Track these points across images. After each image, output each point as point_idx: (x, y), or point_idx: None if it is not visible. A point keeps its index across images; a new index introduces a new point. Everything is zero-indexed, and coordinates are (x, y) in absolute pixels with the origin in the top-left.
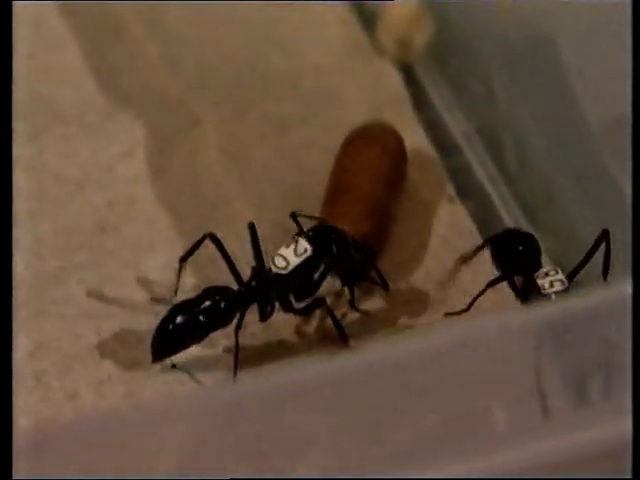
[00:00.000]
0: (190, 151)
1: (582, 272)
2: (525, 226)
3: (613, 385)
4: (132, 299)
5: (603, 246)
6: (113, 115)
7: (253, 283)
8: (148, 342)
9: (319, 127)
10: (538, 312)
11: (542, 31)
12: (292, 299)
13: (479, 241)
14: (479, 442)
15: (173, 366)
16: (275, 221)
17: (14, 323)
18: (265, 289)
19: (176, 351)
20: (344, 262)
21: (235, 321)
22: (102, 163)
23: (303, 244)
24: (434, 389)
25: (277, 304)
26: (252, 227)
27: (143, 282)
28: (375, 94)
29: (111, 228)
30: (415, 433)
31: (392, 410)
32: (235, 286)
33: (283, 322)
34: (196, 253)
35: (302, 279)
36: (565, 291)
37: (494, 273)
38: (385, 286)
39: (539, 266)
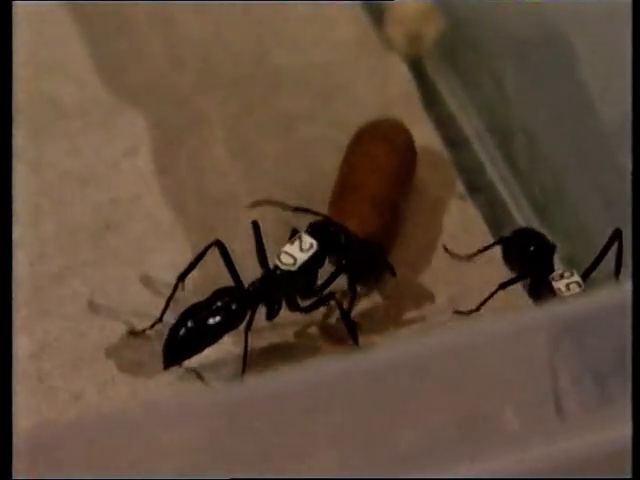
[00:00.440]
0: (196, 148)
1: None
2: (536, 224)
3: (625, 385)
4: (137, 298)
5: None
6: (117, 112)
7: (263, 282)
8: (153, 342)
9: (327, 124)
10: (551, 311)
11: (554, 26)
12: (298, 297)
13: (489, 239)
14: (489, 443)
15: (179, 366)
16: (282, 219)
17: (17, 323)
18: (275, 287)
19: (189, 356)
20: (350, 256)
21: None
22: (106, 160)
23: (308, 240)
24: (444, 390)
25: (284, 303)
26: (256, 226)
27: (148, 281)
28: (384, 90)
29: (115, 226)
30: (424, 434)
31: (401, 411)
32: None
33: (290, 321)
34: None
35: (311, 275)
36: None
37: (505, 273)
38: (392, 272)
39: (552, 267)
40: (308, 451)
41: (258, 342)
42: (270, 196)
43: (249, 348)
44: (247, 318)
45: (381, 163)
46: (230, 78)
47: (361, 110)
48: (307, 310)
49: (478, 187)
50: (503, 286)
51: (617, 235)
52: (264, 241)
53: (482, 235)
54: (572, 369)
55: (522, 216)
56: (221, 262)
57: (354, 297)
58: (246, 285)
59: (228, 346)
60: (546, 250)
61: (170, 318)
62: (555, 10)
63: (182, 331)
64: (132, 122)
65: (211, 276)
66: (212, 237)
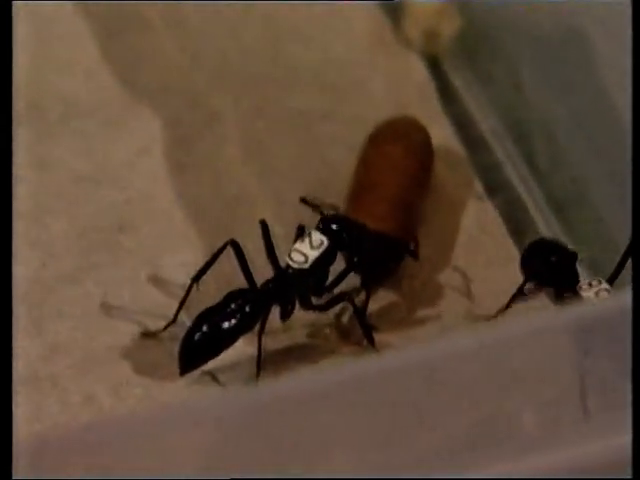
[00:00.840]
0: (210, 147)
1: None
2: (555, 224)
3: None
4: (150, 299)
5: None
6: (131, 110)
7: (275, 282)
8: (167, 343)
9: (343, 122)
10: (572, 312)
11: (572, 22)
12: (311, 295)
13: (508, 240)
14: (508, 445)
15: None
16: (297, 219)
17: (28, 324)
18: (287, 286)
19: (205, 361)
20: (362, 253)
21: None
22: (119, 159)
23: (318, 236)
24: (462, 391)
25: (297, 302)
26: (264, 225)
27: (161, 282)
28: (401, 88)
29: (129, 226)
30: (442, 436)
31: (418, 413)
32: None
33: (304, 323)
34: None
35: (323, 272)
36: None
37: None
38: (415, 255)
39: (577, 277)
40: (324, 454)
41: (272, 344)
42: (284, 196)
43: (263, 350)
44: (260, 320)
45: (397, 162)
46: (245, 76)
47: (377, 108)
48: (321, 309)
49: (496, 187)
50: (522, 292)
51: None
52: (276, 242)
53: (500, 236)
54: (593, 370)
55: (541, 216)
56: (236, 262)
57: (368, 296)
58: (259, 285)
59: (242, 348)
60: (569, 260)
61: (184, 319)
62: (573, 6)
63: (197, 336)
64: (145, 121)
65: (226, 276)
66: (226, 237)
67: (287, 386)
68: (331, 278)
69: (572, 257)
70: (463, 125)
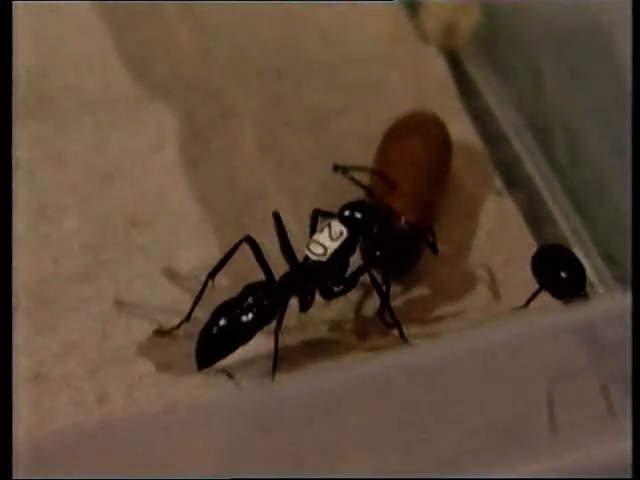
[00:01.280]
0: (224, 142)
1: None
2: (576, 220)
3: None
4: (164, 296)
5: None
6: (144, 104)
7: (294, 275)
8: (181, 341)
9: (360, 117)
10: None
11: (594, 16)
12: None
13: (527, 236)
14: (529, 445)
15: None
16: (308, 213)
17: (40, 323)
18: (306, 279)
19: (223, 356)
20: (383, 243)
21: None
22: (132, 154)
23: (337, 227)
24: (483, 390)
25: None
26: (277, 218)
27: (175, 278)
28: (419, 83)
29: (142, 223)
30: (464, 435)
31: (438, 412)
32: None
33: (319, 320)
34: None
35: (343, 264)
36: None
37: None
38: (434, 249)
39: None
40: (341, 453)
41: (287, 341)
42: (300, 192)
43: (282, 351)
44: (278, 315)
45: (416, 157)
46: (260, 70)
47: (395, 104)
48: (343, 292)
49: (516, 183)
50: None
51: None
52: (292, 238)
53: (520, 232)
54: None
55: (561, 213)
56: (250, 259)
57: (388, 288)
58: (277, 279)
59: (256, 345)
60: (578, 273)
61: (199, 316)
62: (594, 0)
63: (215, 330)
64: (159, 115)
65: (240, 273)
66: (241, 233)
67: (302, 385)
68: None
69: (582, 271)
70: (482, 120)
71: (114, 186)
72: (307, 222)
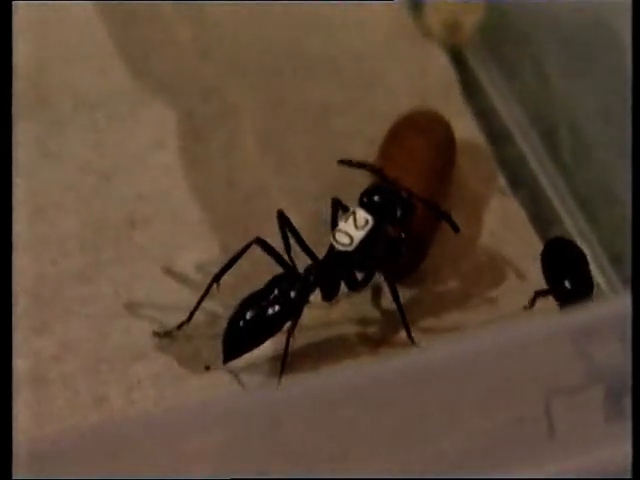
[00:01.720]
0: (225, 141)
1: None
2: (580, 219)
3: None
4: (163, 297)
5: None
6: (143, 103)
7: (320, 265)
8: (181, 343)
9: (362, 115)
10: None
11: (599, 13)
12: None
13: (532, 235)
14: (536, 447)
15: (207, 368)
16: (314, 215)
17: (38, 324)
18: (333, 269)
19: (249, 349)
20: (408, 226)
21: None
22: (131, 153)
23: (362, 215)
24: (488, 391)
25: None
26: (282, 216)
27: (175, 279)
28: (422, 80)
29: (141, 222)
30: (470, 437)
31: (444, 414)
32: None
33: (323, 321)
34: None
35: (369, 252)
36: None
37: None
38: (455, 228)
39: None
40: (344, 455)
41: (291, 342)
42: (302, 191)
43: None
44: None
45: (419, 157)
46: (260, 68)
47: (398, 101)
48: (366, 282)
49: (520, 182)
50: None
51: None
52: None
53: (524, 232)
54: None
55: (566, 212)
56: (250, 259)
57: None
58: (302, 271)
59: (260, 348)
60: (582, 265)
61: (199, 317)
62: None
63: (242, 323)
64: (158, 114)
65: (243, 276)
66: (241, 232)
67: (305, 386)
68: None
69: (585, 262)
70: (486, 118)
71: (113, 186)
72: (308, 220)
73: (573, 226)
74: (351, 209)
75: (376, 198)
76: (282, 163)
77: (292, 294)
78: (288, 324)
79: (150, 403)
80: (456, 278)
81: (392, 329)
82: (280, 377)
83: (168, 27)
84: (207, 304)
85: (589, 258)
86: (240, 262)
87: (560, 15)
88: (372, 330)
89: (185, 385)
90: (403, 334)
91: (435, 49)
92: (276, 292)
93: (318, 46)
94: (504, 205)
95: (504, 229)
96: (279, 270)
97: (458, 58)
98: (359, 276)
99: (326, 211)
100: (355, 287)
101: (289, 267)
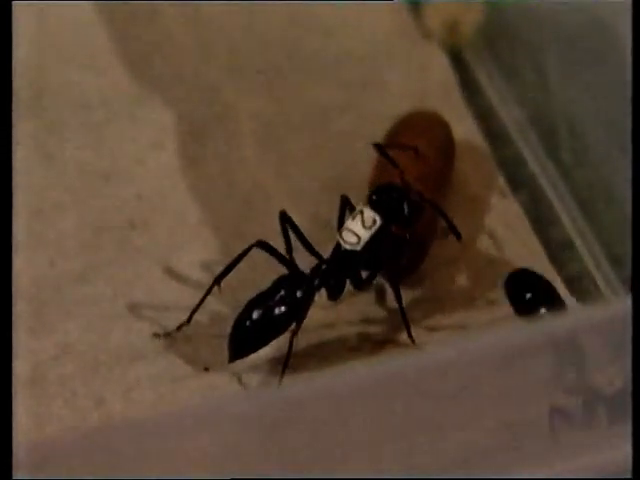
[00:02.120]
0: (224, 141)
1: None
2: (580, 220)
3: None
4: (162, 299)
5: None
6: (142, 103)
7: (326, 265)
8: (180, 344)
9: (361, 116)
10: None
11: (598, 14)
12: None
13: (532, 236)
14: (534, 449)
15: (206, 369)
16: (314, 215)
17: (36, 325)
18: (340, 269)
19: (255, 349)
20: (413, 227)
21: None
22: (130, 154)
23: (370, 214)
24: (486, 394)
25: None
26: (284, 216)
27: (174, 281)
28: (421, 81)
29: (140, 223)
30: (468, 440)
31: (439, 416)
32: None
33: (322, 323)
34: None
35: (376, 252)
36: None
37: (548, 271)
38: (457, 235)
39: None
40: (344, 455)
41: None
42: (301, 192)
43: (282, 352)
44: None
45: (419, 157)
46: (260, 68)
47: (397, 102)
48: (370, 280)
49: (520, 182)
50: None
51: None
52: (294, 239)
53: (524, 233)
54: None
55: (566, 213)
56: (252, 263)
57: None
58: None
59: (259, 350)
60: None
61: (198, 319)
62: None
63: (248, 323)
64: (157, 114)
65: (242, 278)
66: (240, 233)
67: (304, 387)
68: None
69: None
70: (486, 119)
71: (112, 186)
72: (308, 222)
73: (573, 227)
74: (358, 208)
75: (385, 198)
76: (281, 164)
77: (298, 294)
78: (294, 324)
79: (149, 404)
80: (455, 279)
81: (392, 330)
82: (281, 377)
83: (167, 28)
84: (206, 305)
85: (589, 259)
86: (239, 264)
87: (559, 16)
88: (372, 331)
89: (184, 386)
90: (403, 335)
91: (435, 50)
92: (282, 292)
93: (317, 47)
94: (503, 206)
95: (503, 230)
96: (278, 271)
97: (457, 59)
98: (365, 275)
99: (326, 212)
100: (361, 286)
101: (293, 267)
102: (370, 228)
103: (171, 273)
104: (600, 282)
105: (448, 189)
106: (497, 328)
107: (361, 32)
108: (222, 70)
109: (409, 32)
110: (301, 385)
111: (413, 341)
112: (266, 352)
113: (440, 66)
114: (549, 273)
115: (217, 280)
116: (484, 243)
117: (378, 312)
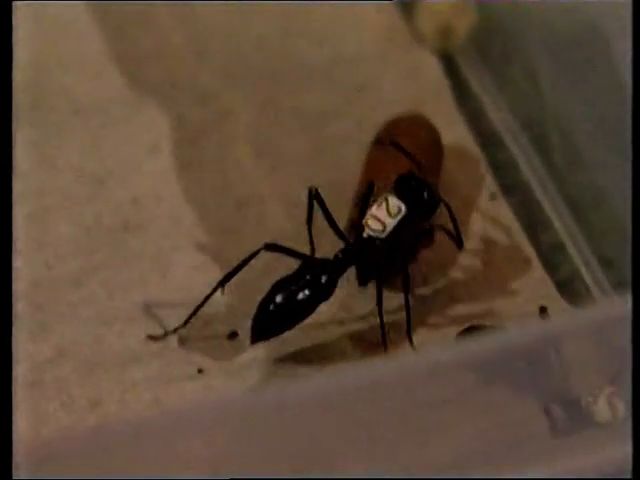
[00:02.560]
0: (219, 145)
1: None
2: (572, 224)
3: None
4: (157, 301)
5: None
6: (137, 107)
7: (351, 250)
8: (175, 347)
9: (354, 120)
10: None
11: (589, 19)
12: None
13: (523, 240)
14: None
15: (200, 371)
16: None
17: (33, 327)
18: (364, 254)
19: (278, 333)
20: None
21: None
22: (126, 158)
23: (395, 202)
24: (471, 399)
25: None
26: (316, 194)
27: (169, 283)
28: (414, 86)
29: (135, 227)
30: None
31: (430, 420)
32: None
33: (315, 325)
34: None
35: (399, 241)
36: None
37: (539, 275)
38: (459, 243)
39: None
40: (336, 457)
41: (282, 347)
42: (295, 195)
43: (273, 356)
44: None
45: (404, 161)
46: (254, 73)
47: (390, 106)
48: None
49: (511, 186)
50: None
51: None
52: (286, 242)
53: (516, 236)
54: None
55: (557, 217)
56: (249, 266)
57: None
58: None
59: (254, 351)
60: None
61: (192, 322)
62: (590, 2)
63: (272, 307)
64: (152, 118)
65: (235, 281)
66: (235, 236)
67: (298, 391)
68: None
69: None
70: (477, 123)
71: (107, 190)
72: (302, 226)
73: (564, 231)
74: (383, 195)
75: (409, 187)
76: (275, 168)
77: (323, 279)
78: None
79: (144, 406)
80: (446, 283)
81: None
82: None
83: (162, 33)
84: (201, 309)
85: (580, 263)
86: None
87: (551, 19)
88: (361, 332)
89: (179, 388)
90: (395, 337)
91: (427, 54)
92: (307, 277)
93: (311, 51)
94: (495, 210)
95: (495, 233)
96: (273, 273)
97: (450, 63)
98: (387, 264)
99: (320, 216)
100: (382, 276)
101: (307, 258)
102: (395, 216)
103: (166, 276)
104: (591, 284)
105: (437, 190)
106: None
107: (355, 37)
108: (217, 75)
109: (402, 37)
110: (293, 388)
111: (412, 344)
112: (258, 354)
113: (432, 70)
114: (540, 276)
115: (222, 282)
116: (475, 246)
117: (369, 314)
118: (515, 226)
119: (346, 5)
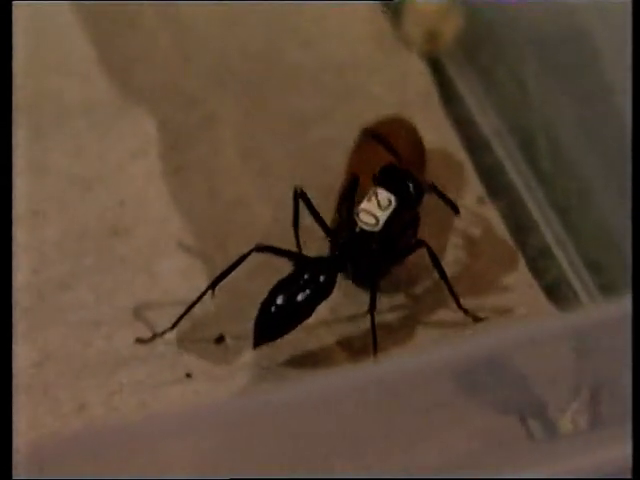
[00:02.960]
0: (206, 149)
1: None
2: (558, 227)
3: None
4: (144, 305)
5: None
6: (124, 112)
7: (347, 246)
8: (162, 351)
9: (342, 124)
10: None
11: (577, 22)
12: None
13: (510, 244)
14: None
15: (188, 375)
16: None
17: (19, 331)
18: (360, 249)
19: (281, 334)
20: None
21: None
22: (112, 162)
23: (385, 195)
24: (464, 400)
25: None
26: (301, 194)
27: (156, 287)
28: (401, 90)
29: (122, 230)
30: (443, 448)
31: (419, 423)
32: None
33: (303, 328)
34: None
35: (394, 233)
36: None
37: (526, 277)
38: (455, 209)
39: None
40: (321, 464)
41: (272, 351)
42: (283, 199)
43: (263, 359)
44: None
45: (387, 156)
46: (242, 77)
47: (377, 110)
48: (389, 268)
49: (498, 190)
50: None
51: None
52: (275, 244)
53: (502, 240)
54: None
55: (544, 220)
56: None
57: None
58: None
59: (242, 356)
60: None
61: (181, 324)
62: (576, 6)
63: (273, 309)
64: (140, 122)
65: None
66: (222, 241)
67: (285, 394)
68: None
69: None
70: (465, 127)
71: (94, 194)
72: (289, 229)
73: (551, 234)
74: (372, 189)
75: (394, 178)
76: (262, 172)
77: (322, 277)
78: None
79: (131, 410)
80: (433, 286)
81: (370, 336)
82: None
83: (150, 37)
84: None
85: (567, 266)
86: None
87: (538, 23)
88: (349, 336)
89: (166, 392)
90: (381, 341)
91: (414, 59)
92: (306, 277)
93: (298, 55)
94: (482, 214)
95: (482, 237)
96: (266, 276)
97: (437, 67)
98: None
99: (308, 219)
100: (379, 271)
101: (301, 257)
102: (387, 208)
103: (153, 280)
104: (578, 289)
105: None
106: (497, 328)
107: (342, 41)
108: (204, 79)
109: (389, 41)
110: (281, 392)
111: (466, 311)
112: (246, 359)
113: (420, 75)
114: (527, 280)
115: (212, 285)
116: (462, 250)
117: (357, 317)
118: (502, 230)
119: (334, 7)
